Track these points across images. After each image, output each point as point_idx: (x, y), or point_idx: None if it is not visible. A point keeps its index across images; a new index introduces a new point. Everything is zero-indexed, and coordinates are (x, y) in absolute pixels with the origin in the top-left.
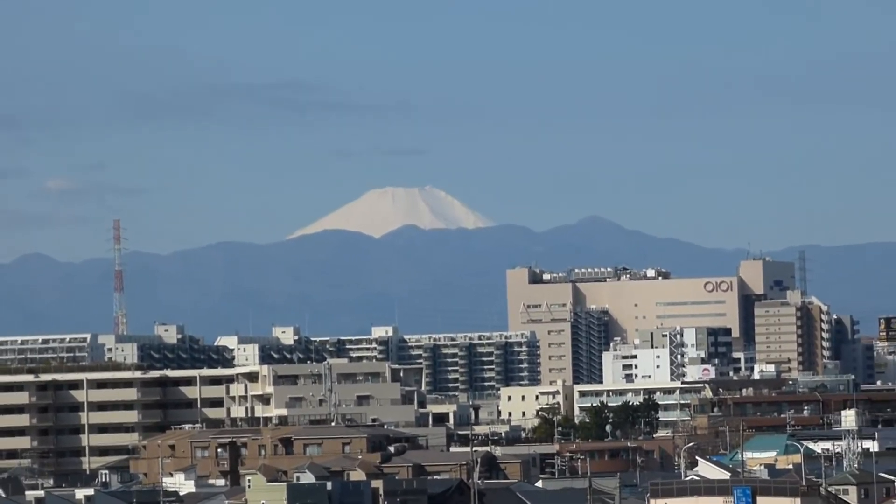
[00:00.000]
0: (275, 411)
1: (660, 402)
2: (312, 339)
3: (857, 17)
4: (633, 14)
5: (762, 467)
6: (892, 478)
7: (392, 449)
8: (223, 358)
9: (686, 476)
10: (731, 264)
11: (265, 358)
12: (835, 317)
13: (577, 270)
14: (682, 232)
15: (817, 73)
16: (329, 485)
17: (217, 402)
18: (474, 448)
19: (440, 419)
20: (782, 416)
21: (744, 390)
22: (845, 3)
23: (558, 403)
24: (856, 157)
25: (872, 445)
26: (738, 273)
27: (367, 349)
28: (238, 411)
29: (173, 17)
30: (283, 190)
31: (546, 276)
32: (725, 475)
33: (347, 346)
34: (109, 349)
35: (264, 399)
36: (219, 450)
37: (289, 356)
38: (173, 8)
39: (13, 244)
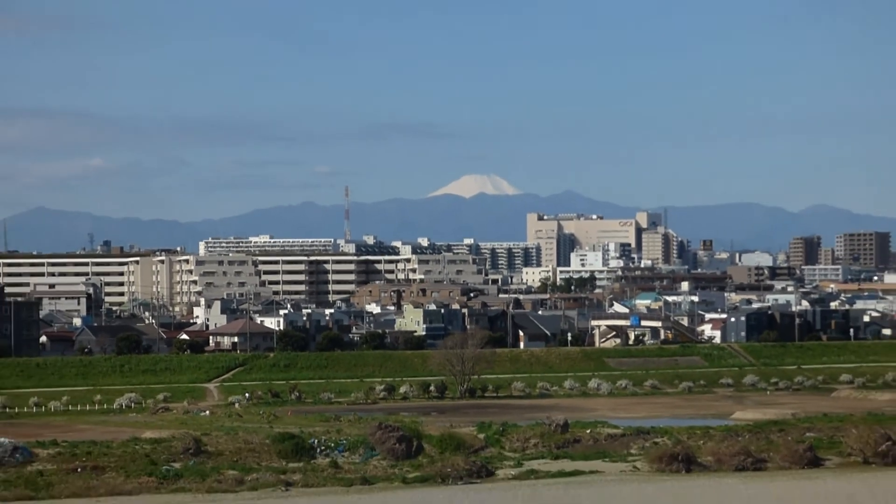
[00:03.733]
0: (418, 276)
1: (597, 277)
2: (437, 243)
3: None
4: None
5: (645, 308)
6: (703, 313)
7: (472, 294)
8: (395, 251)
9: (609, 310)
10: (631, 214)
11: (414, 251)
12: (680, 239)
13: (561, 215)
14: (616, 198)
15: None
16: (442, 310)
17: (391, 272)
18: (511, 296)
19: (494, 282)
20: (654, 284)
21: (636, 272)
22: None
23: (550, 276)
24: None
25: (695, 298)
26: (635, 217)
27: (461, 249)
28: (401, 276)
29: (366, 77)
30: (422, 175)
31: (545, 217)
32: (627, 311)
33: (452, 247)
34: (342, 245)
35: (413, 270)
36: (392, 293)
37: (426, 251)
38: (368, 72)
39: (297, 198)
